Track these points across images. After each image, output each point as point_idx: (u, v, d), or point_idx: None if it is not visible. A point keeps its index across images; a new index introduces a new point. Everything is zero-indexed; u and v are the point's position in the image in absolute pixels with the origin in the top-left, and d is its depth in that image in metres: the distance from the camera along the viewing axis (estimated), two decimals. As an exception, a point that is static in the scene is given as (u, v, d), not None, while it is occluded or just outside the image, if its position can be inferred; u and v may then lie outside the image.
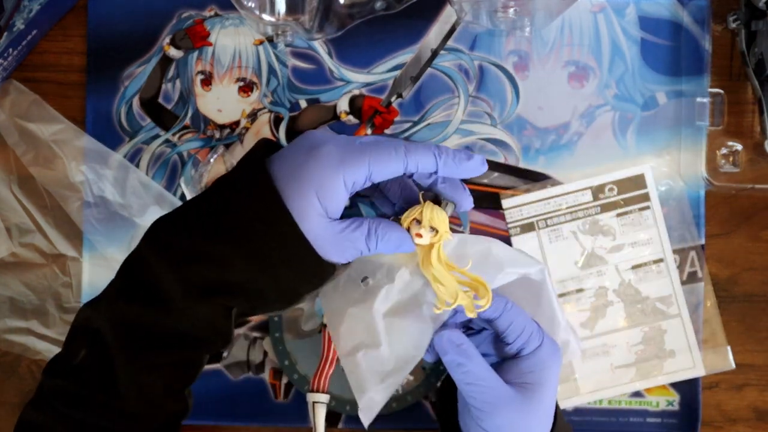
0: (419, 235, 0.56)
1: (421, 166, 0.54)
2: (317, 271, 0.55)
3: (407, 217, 0.57)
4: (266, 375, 0.78)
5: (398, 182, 0.60)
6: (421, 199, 0.58)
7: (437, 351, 0.60)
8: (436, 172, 0.55)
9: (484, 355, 0.61)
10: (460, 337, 0.59)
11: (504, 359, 0.62)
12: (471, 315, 0.58)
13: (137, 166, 0.79)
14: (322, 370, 0.67)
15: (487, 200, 0.77)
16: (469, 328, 0.65)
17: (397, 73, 0.78)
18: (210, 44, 0.79)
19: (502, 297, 0.61)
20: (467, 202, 0.58)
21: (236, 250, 0.52)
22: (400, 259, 0.60)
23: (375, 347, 0.60)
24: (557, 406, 0.64)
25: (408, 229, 0.57)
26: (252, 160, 0.56)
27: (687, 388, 0.77)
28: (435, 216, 0.57)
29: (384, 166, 0.53)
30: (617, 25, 0.78)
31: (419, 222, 0.57)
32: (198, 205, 0.56)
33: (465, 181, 0.59)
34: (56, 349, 0.78)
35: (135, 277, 0.55)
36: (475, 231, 0.78)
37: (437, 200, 0.58)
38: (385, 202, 0.62)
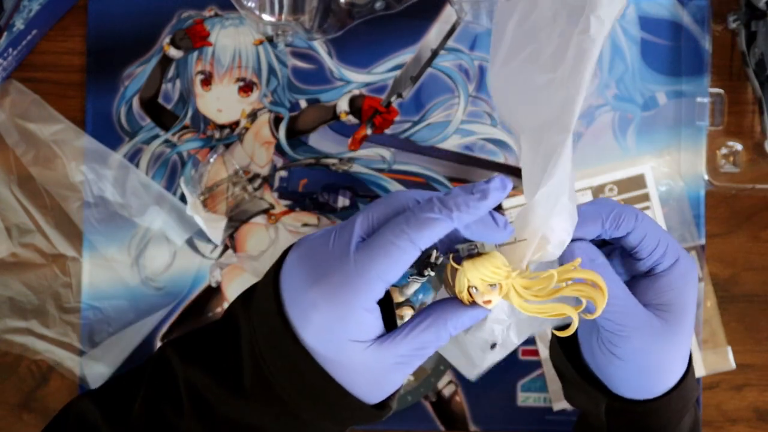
0: (487, 302, 0.46)
1: (437, 238, 0.45)
2: (364, 416, 0.47)
3: (459, 291, 0.46)
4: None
5: None
6: (452, 264, 0.47)
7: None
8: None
9: None
10: (594, 251, 0.51)
11: (635, 277, 0.53)
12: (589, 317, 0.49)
13: (137, 166, 0.79)
14: None
15: (487, 200, 0.77)
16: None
17: (397, 73, 0.78)
18: (210, 44, 0.79)
19: (632, 208, 0.51)
20: (502, 234, 0.46)
21: (267, 410, 0.46)
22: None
23: None
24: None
25: (472, 300, 0.46)
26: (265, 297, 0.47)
27: (687, 388, 0.77)
28: (482, 272, 0.45)
29: (394, 267, 0.44)
30: (617, 25, 0.78)
31: (477, 288, 0.46)
32: (228, 356, 0.48)
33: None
34: (56, 349, 0.78)
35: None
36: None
37: (473, 249, 0.47)
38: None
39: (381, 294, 0.44)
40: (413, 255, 0.44)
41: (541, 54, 0.51)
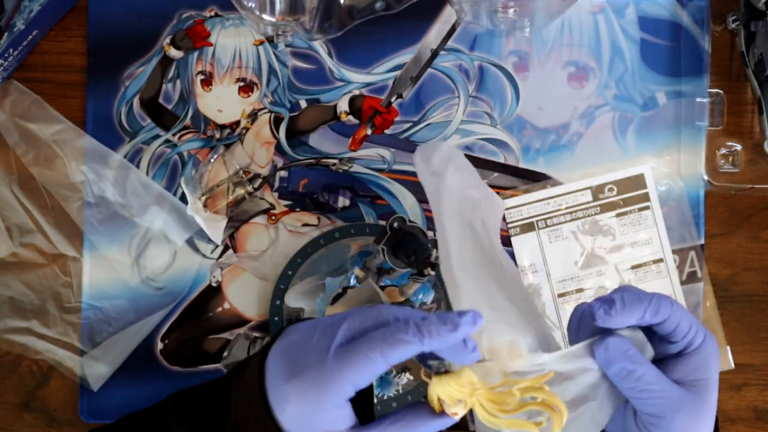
0: (454, 414, 0.49)
1: (407, 357, 0.49)
2: None
3: (430, 400, 0.50)
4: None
5: None
6: (423, 378, 0.51)
7: (601, 364, 0.53)
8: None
9: None
10: (625, 342, 0.53)
11: (665, 357, 0.56)
12: None
13: (137, 166, 0.79)
14: None
15: (487, 200, 0.78)
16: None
17: (397, 73, 0.78)
18: (210, 44, 0.79)
19: (665, 297, 0.54)
20: (469, 357, 0.49)
21: None
22: None
23: None
24: None
25: (442, 409, 0.50)
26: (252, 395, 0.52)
27: (686, 388, 0.77)
28: (447, 389, 0.49)
29: (364, 376, 0.48)
30: (617, 25, 0.78)
31: (446, 402, 0.50)
32: None
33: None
34: (57, 349, 0.79)
35: None
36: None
37: (441, 367, 0.51)
38: None
39: (351, 394, 0.48)
40: (382, 369, 0.48)
41: None
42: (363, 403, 0.51)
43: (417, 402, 0.51)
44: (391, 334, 0.48)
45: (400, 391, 0.77)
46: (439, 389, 0.49)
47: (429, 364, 0.51)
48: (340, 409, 0.49)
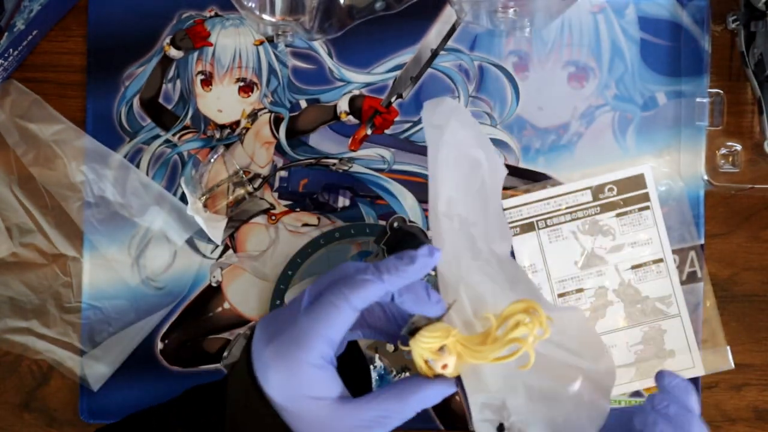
0: (444, 367, 0.49)
1: (371, 299, 0.49)
2: None
3: (419, 368, 0.50)
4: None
5: (375, 309, 0.55)
6: (401, 347, 0.51)
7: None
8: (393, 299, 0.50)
9: None
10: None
11: None
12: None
13: (137, 166, 0.79)
14: None
15: (487, 200, 0.77)
16: None
17: (398, 73, 0.78)
18: (210, 44, 0.79)
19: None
20: (436, 308, 0.50)
21: None
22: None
23: None
24: None
25: (434, 373, 0.50)
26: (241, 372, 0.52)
27: (686, 388, 0.77)
28: (423, 340, 0.49)
29: (334, 325, 0.48)
30: (617, 25, 0.78)
31: (430, 358, 0.49)
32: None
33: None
34: (57, 349, 0.79)
35: None
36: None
37: (412, 325, 0.51)
38: (379, 333, 0.55)
39: (327, 352, 0.48)
40: (350, 315, 0.49)
41: None
42: (362, 391, 0.51)
43: (412, 375, 0.51)
44: (352, 278, 0.49)
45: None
46: (416, 347, 0.49)
47: (402, 335, 0.51)
48: (320, 371, 0.48)
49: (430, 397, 0.50)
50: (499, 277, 0.53)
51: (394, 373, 0.77)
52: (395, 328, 0.53)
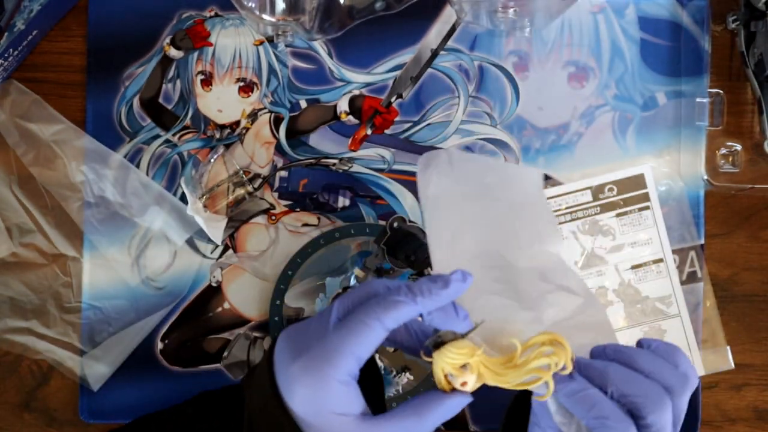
0: (464, 384, 0.49)
1: (403, 320, 0.49)
2: None
3: (438, 381, 0.50)
4: (266, 375, 0.78)
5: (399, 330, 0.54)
6: (424, 358, 0.51)
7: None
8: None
9: None
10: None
11: None
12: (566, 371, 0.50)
13: (137, 166, 0.79)
14: None
15: (487, 200, 0.77)
16: None
17: (397, 73, 0.78)
18: (210, 44, 0.79)
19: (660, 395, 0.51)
20: (461, 324, 0.50)
21: None
22: None
23: None
24: None
25: (452, 387, 0.50)
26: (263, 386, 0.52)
27: (686, 388, 0.77)
28: (448, 355, 0.49)
29: (365, 343, 0.48)
30: (617, 25, 0.78)
31: (451, 373, 0.50)
32: None
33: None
34: (57, 349, 0.78)
35: None
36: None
37: (438, 339, 0.51)
38: (398, 344, 0.55)
39: (355, 369, 0.49)
40: (381, 334, 0.49)
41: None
42: (374, 403, 0.51)
43: (429, 390, 0.51)
44: (384, 299, 0.49)
45: (400, 391, 0.77)
46: (440, 360, 0.49)
47: (426, 346, 0.51)
48: (347, 387, 0.48)
49: (448, 411, 0.50)
50: (524, 295, 0.53)
51: (394, 372, 0.77)
52: (416, 341, 0.53)
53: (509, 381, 0.49)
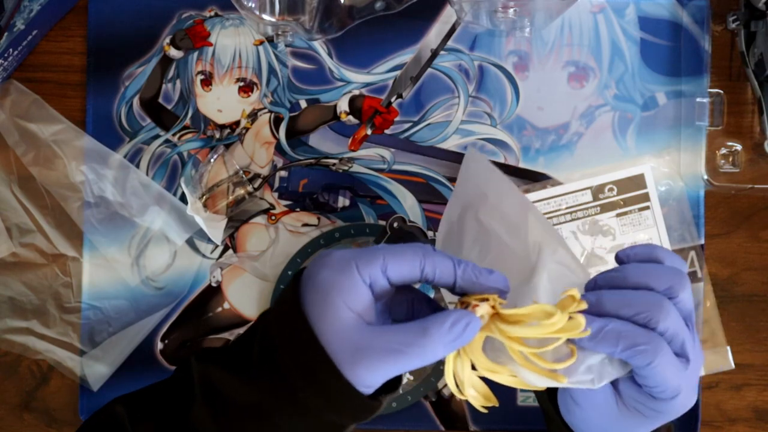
0: (475, 307, 0.49)
1: (439, 272, 0.50)
2: (352, 402, 0.49)
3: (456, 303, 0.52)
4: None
5: (407, 300, 0.55)
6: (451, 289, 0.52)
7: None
8: (454, 285, 0.51)
9: None
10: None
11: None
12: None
13: (137, 166, 0.79)
14: None
15: (487, 200, 0.77)
16: None
17: (397, 73, 0.78)
18: (210, 44, 0.79)
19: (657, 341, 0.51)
20: (502, 282, 0.51)
21: (276, 397, 0.49)
22: None
23: None
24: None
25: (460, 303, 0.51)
26: (287, 292, 0.52)
27: (686, 388, 0.77)
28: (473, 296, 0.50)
29: (399, 262, 0.49)
30: (617, 25, 0.78)
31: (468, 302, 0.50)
32: (243, 350, 0.52)
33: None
34: (56, 349, 0.79)
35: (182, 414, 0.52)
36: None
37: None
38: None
39: (380, 279, 0.49)
40: (416, 266, 0.49)
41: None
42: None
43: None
44: (433, 250, 0.50)
45: (400, 391, 0.77)
46: (464, 296, 0.51)
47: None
48: (366, 289, 0.49)
49: (452, 326, 0.48)
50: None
51: None
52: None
53: (513, 333, 0.48)
